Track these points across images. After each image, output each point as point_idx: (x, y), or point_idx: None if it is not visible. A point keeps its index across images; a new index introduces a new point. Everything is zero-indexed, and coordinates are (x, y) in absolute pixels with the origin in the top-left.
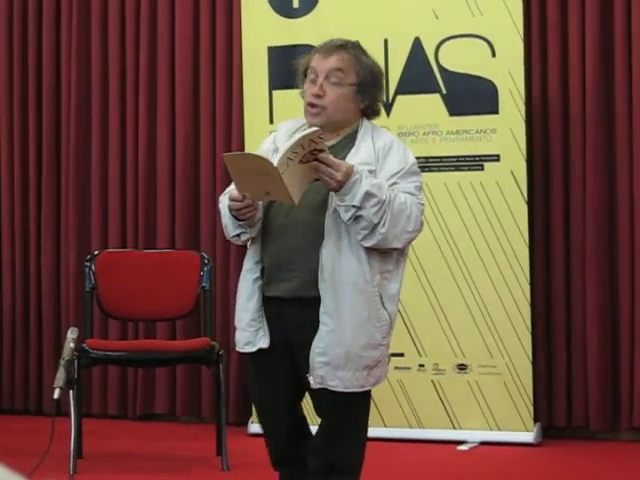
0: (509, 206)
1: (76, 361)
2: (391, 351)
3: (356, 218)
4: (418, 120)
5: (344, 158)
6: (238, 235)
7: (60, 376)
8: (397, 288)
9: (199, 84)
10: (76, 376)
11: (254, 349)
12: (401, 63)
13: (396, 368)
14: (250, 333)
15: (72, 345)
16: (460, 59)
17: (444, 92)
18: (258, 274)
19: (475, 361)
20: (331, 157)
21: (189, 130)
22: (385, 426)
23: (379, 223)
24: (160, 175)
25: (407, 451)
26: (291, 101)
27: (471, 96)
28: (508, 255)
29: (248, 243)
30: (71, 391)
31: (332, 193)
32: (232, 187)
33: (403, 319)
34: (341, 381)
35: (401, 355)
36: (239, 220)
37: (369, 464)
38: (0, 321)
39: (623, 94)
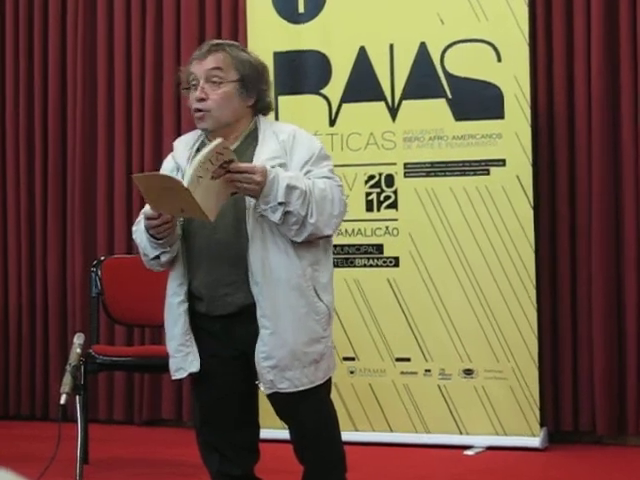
0: (515, 211)
1: (82, 367)
2: (398, 356)
3: (285, 215)
4: (424, 125)
5: (251, 156)
6: (158, 257)
7: (66, 382)
8: (328, 277)
9: None
10: (82, 382)
11: (184, 375)
12: (407, 68)
13: (402, 373)
14: (179, 359)
15: (78, 351)
16: (466, 64)
17: (450, 97)
18: (182, 297)
19: (481, 366)
20: (242, 163)
21: None
22: (391, 431)
23: (307, 214)
24: None
25: (413, 456)
26: (297, 106)
27: (477, 101)
28: (514, 260)
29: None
30: (77, 397)
31: (249, 201)
32: (143, 216)
33: (409, 324)
34: (291, 381)
35: (407, 360)
36: (157, 239)
37: (376, 469)
38: (7, 327)
39: (629, 99)
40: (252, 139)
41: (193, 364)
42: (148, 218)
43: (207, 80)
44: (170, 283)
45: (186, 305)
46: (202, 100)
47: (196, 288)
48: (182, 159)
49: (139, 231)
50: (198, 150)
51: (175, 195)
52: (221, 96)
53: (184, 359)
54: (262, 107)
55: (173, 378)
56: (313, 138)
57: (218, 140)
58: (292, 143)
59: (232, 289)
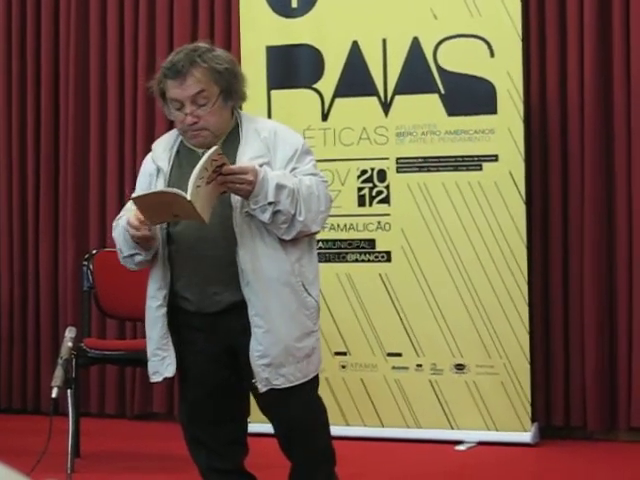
0: (507, 206)
1: (74, 360)
2: (389, 351)
3: (274, 215)
4: (416, 120)
5: (234, 156)
6: (132, 256)
7: (58, 375)
8: (315, 272)
9: None
10: (74, 375)
11: (160, 379)
12: (399, 63)
13: (394, 368)
14: (156, 362)
15: (70, 344)
16: (459, 59)
17: (442, 92)
18: (161, 301)
19: (473, 361)
20: (234, 165)
21: None
22: (383, 426)
23: (296, 212)
24: None
25: (405, 451)
26: (290, 101)
27: (469, 96)
28: (506, 255)
29: (151, 268)
30: (69, 390)
31: (235, 200)
32: (124, 212)
33: (401, 319)
34: (285, 377)
35: (399, 355)
36: (136, 242)
37: (367, 464)
38: None
39: (621, 94)
40: (234, 138)
41: (168, 369)
42: (131, 226)
43: (193, 102)
44: (150, 286)
45: (164, 309)
46: (195, 123)
47: (181, 289)
48: (163, 161)
49: (119, 227)
50: (178, 152)
51: (171, 205)
52: (212, 114)
53: (160, 363)
54: (239, 101)
55: (151, 381)
56: (295, 133)
57: (213, 148)
58: (274, 140)
59: (220, 288)
